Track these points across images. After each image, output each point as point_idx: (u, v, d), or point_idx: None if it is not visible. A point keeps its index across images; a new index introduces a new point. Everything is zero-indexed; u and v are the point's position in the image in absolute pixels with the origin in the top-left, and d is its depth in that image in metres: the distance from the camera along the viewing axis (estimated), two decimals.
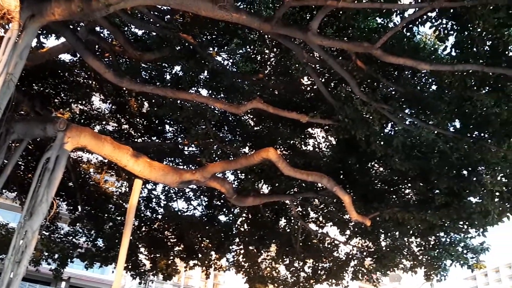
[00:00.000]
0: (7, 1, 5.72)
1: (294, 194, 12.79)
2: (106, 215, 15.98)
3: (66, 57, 12.70)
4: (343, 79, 9.51)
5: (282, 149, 13.45)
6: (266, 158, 8.64)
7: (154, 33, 11.49)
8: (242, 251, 17.30)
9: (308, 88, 12.42)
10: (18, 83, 7.03)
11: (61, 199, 14.97)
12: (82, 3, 6.62)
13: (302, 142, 13.50)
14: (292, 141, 13.20)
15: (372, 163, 12.51)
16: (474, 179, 10.23)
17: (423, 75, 10.35)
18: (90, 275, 40.76)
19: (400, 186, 12.64)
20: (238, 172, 14.37)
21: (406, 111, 10.47)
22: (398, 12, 9.09)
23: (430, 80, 10.31)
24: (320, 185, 11.81)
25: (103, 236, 16.40)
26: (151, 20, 10.56)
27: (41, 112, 10.43)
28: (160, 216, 16.66)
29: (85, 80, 13.26)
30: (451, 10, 8.18)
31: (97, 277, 42.05)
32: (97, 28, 11.34)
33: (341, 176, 12.33)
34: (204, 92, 13.28)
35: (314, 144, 13.72)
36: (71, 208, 15.64)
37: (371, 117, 9.37)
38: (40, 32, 9.89)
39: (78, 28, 10.43)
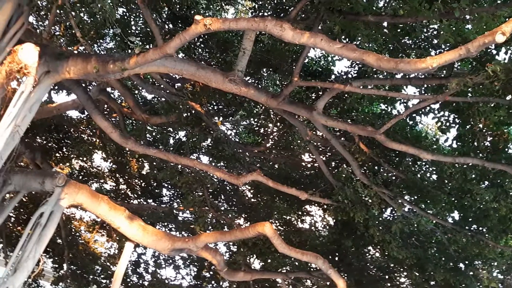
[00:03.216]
0: (26, 56, 5.91)
1: (287, 273, 12.40)
2: (91, 276, 15.43)
3: (73, 113, 12.93)
4: (344, 159, 9.57)
5: (278, 224, 13.26)
6: (261, 233, 8.45)
7: (163, 98, 11.76)
8: None
9: (309, 165, 12.49)
10: (22, 135, 7.07)
11: (47, 256, 14.53)
12: (98, 65, 6.82)
13: (299, 219, 13.33)
14: (288, 217, 13.05)
15: (369, 248, 12.28)
16: (471, 273, 10.01)
17: (424, 163, 10.45)
18: None
19: (396, 274, 12.33)
20: (231, 243, 14.07)
21: (406, 197, 10.43)
22: (402, 100, 9.35)
23: (431, 169, 10.39)
24: (314, 265, 11.49)
25: None
26: (162, 86, 10.84)
27: (41, 165, 10.40)
28: (146, 283, 16.08)
29: (89, 137, 13.38)
30: (454, 104, 8.42)
31: None
32: (108, 89, 11.62)
33: (337, 258, 12.05)
34: (205, 159, 13.35)
35: (311, 222, 13.55)
36: (56, 266, 15.14)
37: (370, 201, 9.33)
38: (52, 87, 10.12)
39: (90, 87, 10.69)
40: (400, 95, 8.79)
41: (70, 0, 10.13)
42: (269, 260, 12.38)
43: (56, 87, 10.70)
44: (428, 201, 10.27)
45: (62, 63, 6.97)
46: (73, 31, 10.74)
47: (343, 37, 8.49)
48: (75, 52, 10.74)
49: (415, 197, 10.58)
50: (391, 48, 9.15)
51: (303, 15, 9.13)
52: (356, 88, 7.86)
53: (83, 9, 10.58)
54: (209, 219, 12.06)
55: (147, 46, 11.60)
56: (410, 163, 10.36)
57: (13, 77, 5.85)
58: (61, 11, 10.13)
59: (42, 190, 7.63)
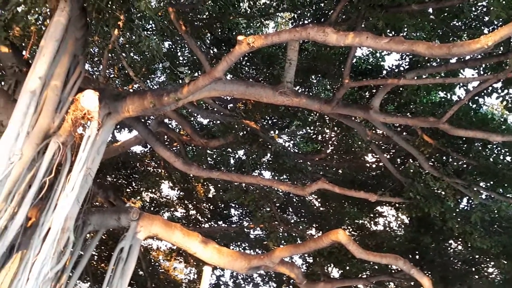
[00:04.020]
0: (88, 103, 6.26)
1: (368, 278, 12.08)
2: None
3: (137, 148, 13.50)
4: (410, 154, 9.28)
5: (351, 229, 13.02)
6: (335, 241, 8.33)
7: (218, 121, 12.00)
8: None
9: (374, 166, 12.19)
10: (94, 176, 7.45)
11: None
12: (154, 99, 7.10)
13: (372, 222, 13.01)
14: (360, 221, 12.77)
15: (450, 242, 11.73)
16: None
17: (495, 146, 9.88)
18: None
19: (482, 265, 11.68)
20: (306, 255, 13.95)
21: (481, 184, 9.90)
22: (462, 84, 8.95)
23: (503, 151, 9.81)
24: (395, 267, 11.13)
25: None
26: (216, 109, 11.08)
27: (114, 202, 10.90)
28: None
29: (154, 169, 13.87)
30: None
31: None
32: (166, 120, 12.05)
33: (417, 257, 11.61)
34: (267, 174, 13.41)
35: (384, 223, 13.17)
36: None
37: (444, 193, 8.95)
38: (114, 127, 10.63)
39: (149, 121, 11.13)
40: (458, 79, 8.43)
41: (120, 42, 10.67)
42: (347, 267, 12.16)
43: (118, 126, 11.23)
44: (506, 185, 9.68)
45: (120, 103, 7.31)
46: (126, 71, 11.30)
47: (388, 31, 8.30)
48: (131, 90, 11.28)
49: (491, 182, 10.01)
50: (441, 33, 8.81)
51: (343, 17, 9.03)
52: (411, 80, 7.63)
53: (132, 49, 11.09)
54: (280, 234, 12.06)
55: (196, 74, 11.94)
56: (480, 148, 9.83)
57: (79, 123, 6.21)
58: (113, 54, 10.70)
59: (119, 226, 7.99)
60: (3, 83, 8.63)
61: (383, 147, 10.90)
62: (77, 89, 6.83)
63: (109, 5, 6.62)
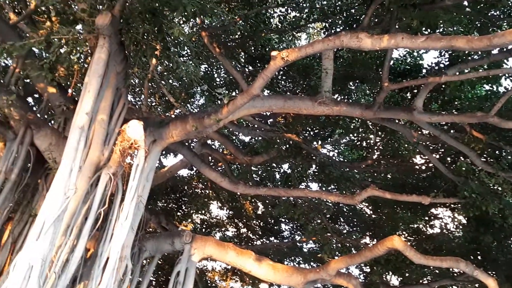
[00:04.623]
0: (133, 133, 6.46)
1: (429, 284, 11.64)
2: None
3: (183, 171, 13.76)
4: (460, 152, 8.97)
5: (406, 234, 12.65)
6: (391, 248, 8.11)
7: (260, 137, 12.07)
8: None
9: (423, 167, 11.84)
10: (145, 203, 7.64)
11: None
12: (195, 123, 7.24)
13: (427, 225, 12.59)
14: (415, 225, 12.39)
15: None
16: None
17: None
18: None
19: None
20: (362, 265, 13.64)
21: None
22: (507, 75, 8.61)
23: None
24: (457, 270, 10.69)
25: None
26: (256, 126, 11.15)
27: (166, 227, 11.11)
28: None
29: (202, 191, 14.06)
30: None
31: None
32: (209, 141, 12.24)
33: (479, 257, 11.09)
34: (314, 186, 13.30)
35: (441, 225, 12.71)
36: None
37: (500, 189, 8.55)
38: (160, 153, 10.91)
39: (193, 144, 11.34)
40: (502, 70, 8.12)
41: (158, 71, 11.01)
42: (406, 274, 11.78)
43: (164, 152, 11.50)
44: None
45: (164, 130, 7.51)
46: (167, 98, 11.61)
47: (423, 29, 8.12)
48: (173, 116, 11.56)
49: None
50: (479, 25, 8.54)
51: (376, 20, 8.94)
52: (453, 76, 7.42)
53: (170, 76, 11.41)
54: (334, 245, 11.88)
55: (234, 93, 12.10)
56: None
57: (127, 153, 6.41)
58: (153, 83, 11.04)
59: (173, 250, 8.13)
60: (53, 121, 9.06)
61: (431, 147, 10.59)
62: (122, 120, 7.08)
63: (145, 37, 6.85)
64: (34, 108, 9.76)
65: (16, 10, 9.40)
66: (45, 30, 6.50)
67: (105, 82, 6.71)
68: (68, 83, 9.55)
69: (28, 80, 8.62)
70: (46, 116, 9.41)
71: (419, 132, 9.72)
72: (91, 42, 6.65)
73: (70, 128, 6.23)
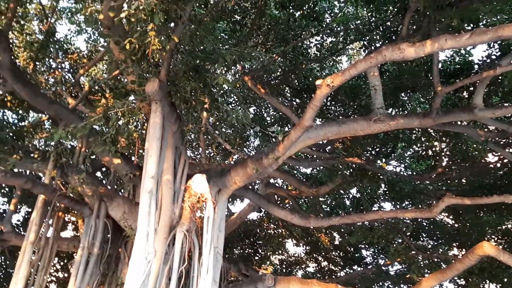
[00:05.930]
0: (199, 186, 6.62)
1: None
2: None
3: (253, 215, 13.81)
4: None
5: (495, 238, 11.87)
6: (483, 255, 7.62)
7: (322, 167, 11.95)
8: None
9: (498, 165, 11.18)
10: (222, 253, 7.71)
11: None
12: (255, 165, 7.32)
13: None
14: (503, 227, 11.61)
15: None
16: None
17: None
18: None
19: None
20: (456, 278, 12.85)
21: None
22: None
23: None
24: None
25: None
26: (315, 156, 11.09)
27: (247, 273, 11.07)
28: None
29: (275, 231, 14.00)
30: None
31: None
32: (271, 180, 12.28)
33: None
34: (388, 205, 12.89)
35: None
36: None
37: None
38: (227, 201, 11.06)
39: (256, 186, 11.42)
40: None
41: (210, 123, 11.33)
42: (505, 279, 10.95)
43: (230, 199, 11.65)
44: None
45: (227, 178, 7.64)
46: (223, 146, 11.86)
47: (465, 26, 7.89)
48: (232, 163, 11.76)
49: None
50: None
51: (414, 27, 8.79)
52: (508, 66, 7.07)
53: (223, 125, 11.70)
54: (421, 263, 11.33)
55: (286, 128, 12.18)
56: None
57: (196, 208, 6.55)
58: (207, 135, 11.35)
59: None
60: (122, 190, 9.48)
61: (502, 143, 10.02)
62: (186, 176, 7.29)
63: (193, 93, 7.13)
64: (104, 181, 10.29)
65: (73, 94, 10.15)
66: (101, 107, 6.94)
67: (164, 144, 6.99)
68: (131, 151, 10.03)
69: (94, 156, 9.13)
70: (116, 187, 9.87)
71: (485, 130, 9.26)
72: (145, 109, 7.00)
73: (140, 194, 6.49)
